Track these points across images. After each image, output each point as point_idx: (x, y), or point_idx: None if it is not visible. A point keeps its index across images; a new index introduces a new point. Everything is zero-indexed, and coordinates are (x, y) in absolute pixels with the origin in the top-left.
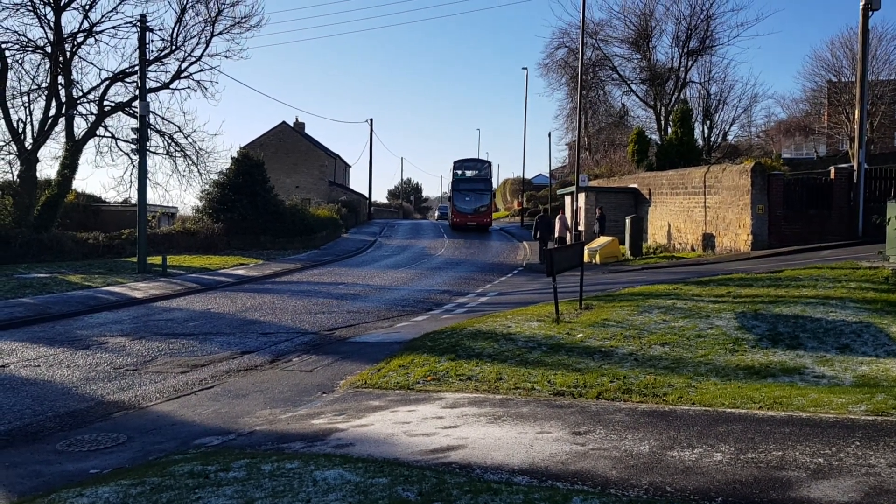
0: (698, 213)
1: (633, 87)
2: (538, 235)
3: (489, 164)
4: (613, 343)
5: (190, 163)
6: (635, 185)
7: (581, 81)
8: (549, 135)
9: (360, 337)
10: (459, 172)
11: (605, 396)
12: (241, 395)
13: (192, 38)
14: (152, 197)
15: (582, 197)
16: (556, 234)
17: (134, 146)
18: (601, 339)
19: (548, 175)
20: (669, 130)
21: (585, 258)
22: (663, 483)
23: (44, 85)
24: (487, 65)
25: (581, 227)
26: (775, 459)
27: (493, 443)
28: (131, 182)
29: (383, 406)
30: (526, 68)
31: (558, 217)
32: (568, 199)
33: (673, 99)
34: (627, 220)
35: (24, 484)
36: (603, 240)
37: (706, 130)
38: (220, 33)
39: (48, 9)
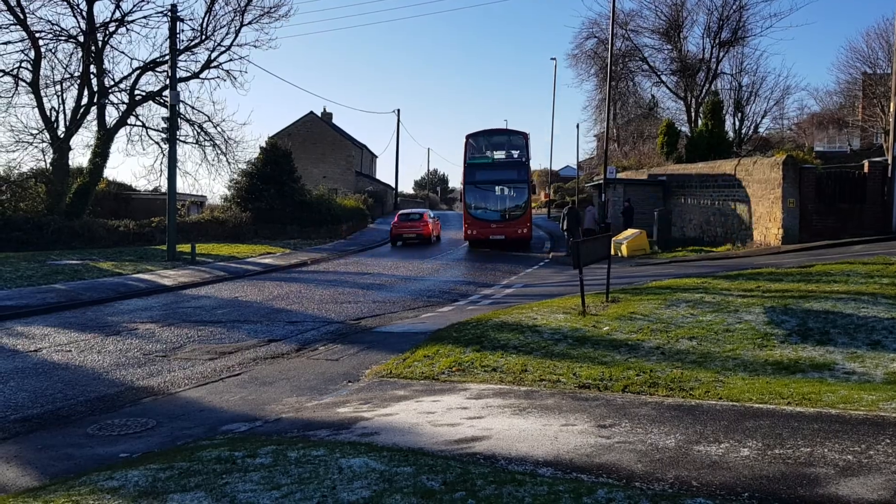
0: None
1: (664, 78)
2: (565, 227)
3: (525, 136)
4: (640, 336)
5: (219, 152)
6: (664, 178)
7: (610, 72)
8: (577, 126)
9: (385, 327)
10: (477, 152)
11: (630, 390)
12: (267, 382)
13: (221, 27)
14: (182, 185)
15: (610, 189)
16: (584, 226)
17: (164, 135)
18: (628, 332)
19: (575, 167)
20: (700, 122)
21: (612, 251)
22: (689, 477)
23: (76, 74)
24: (515, 55)
25: (608, 220)
26: (804, 456)
27: (517, 434)
28: (161, 171)
29: (408, 396)
30: (554, 59)
31: (587, 209)
32: (595, 192)
33: (704, 90)
34: (655, 213)
35: (55, 466)
36: (630, 232)
37: (737, 123)
38: (250, 23)
39: None
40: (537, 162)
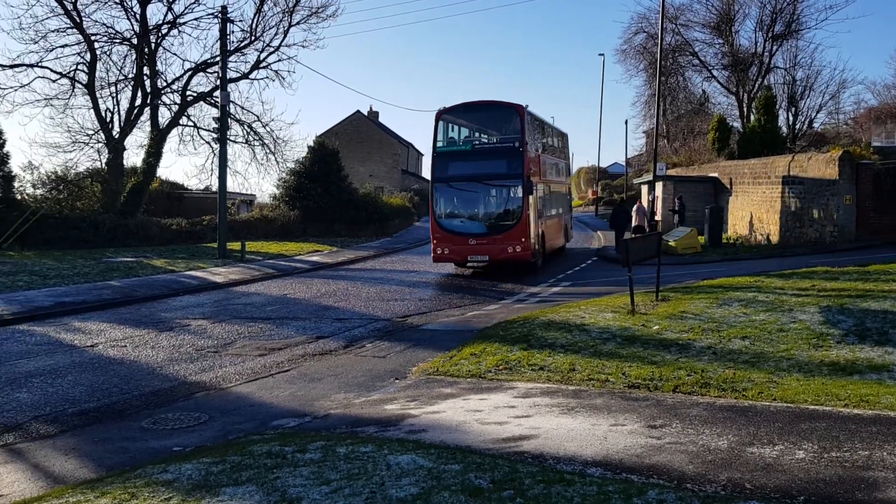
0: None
1: (715, 72)
2: (614, 225)
3: (520, 110)
4: (691, 336)
5: (268, 151)
6: (715, 174)
7: (660, 67)
8: (626, 122)
9: (431, 325)
10: (452, 135)
11: (681, 390)
12: (316, 378)
13: (270, 28)
14: (232, 184)
15: (659, 186)
16: (634, 224)
17: (215, 135)
18: (678, 331)
19: (624, 163)
20: (752, 118)
21: (662, 249)
22: (742, 480)
23: (130, 76)
24: (561, 51)
25: (658, 217)
26: (861, 459)
27: (565, 434)
28: (212, 170)
29: (455, 394)
30: (603, 55)
31: (636, 206)
32: (645, 188)
33: (756, 85)
34: (707, 210)
35: (111, 459)
36: (681, 230)
37: (791, 118)
38: (298, 23)
39: (134, 1)
40: (584, 159)
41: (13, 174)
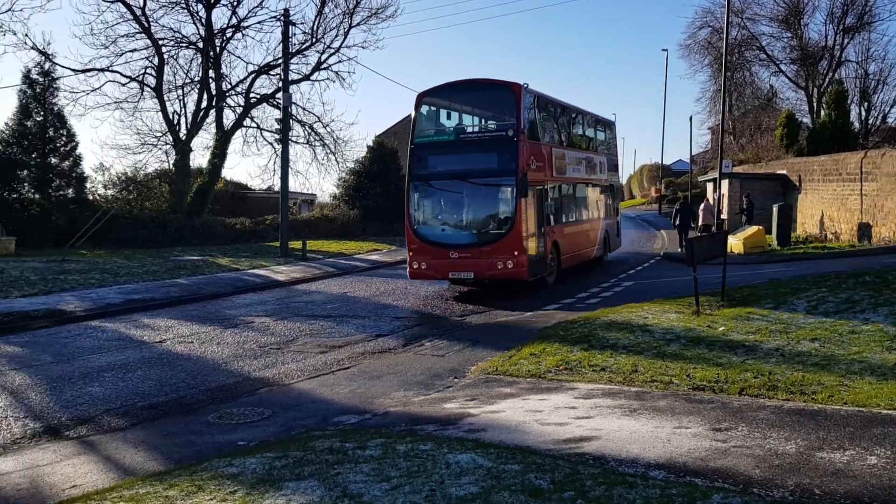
0: (853, 201)
1: (783, 67)
2: (678, 223)
3: (515, 91)
4: (758, 337)
5: (328, 151)
6: (784, 172)
7: (725, 62)
8: (691, 119)
9: (490, 323)
10: (435, 124)
11: (748, 393)
12: (375, 376)
13: (331, 30)
14: (293, 184)
15: (725, 184)
16: (700, 223)
17: (277, 136)
18: (744, 332)
19: (688, 161)
20: (822, 113)
21: (728, 248)
22: (811, 485)
23: (196, 79)
24: (622, 47)
25: (724, 216)
26: None
27: (628, 436)
28: (274, 170)
29: (514, 393)
30: (666, 50)
31: (703, 205)
32: (710, 186)
33: (826, 79)
34: (775, 209)
35: (179, 452)
36: (748, 229)
37: (863, 113)
38: (358, 24)
39: (200, 6)
40: (647, 156)
41: (85, 175)
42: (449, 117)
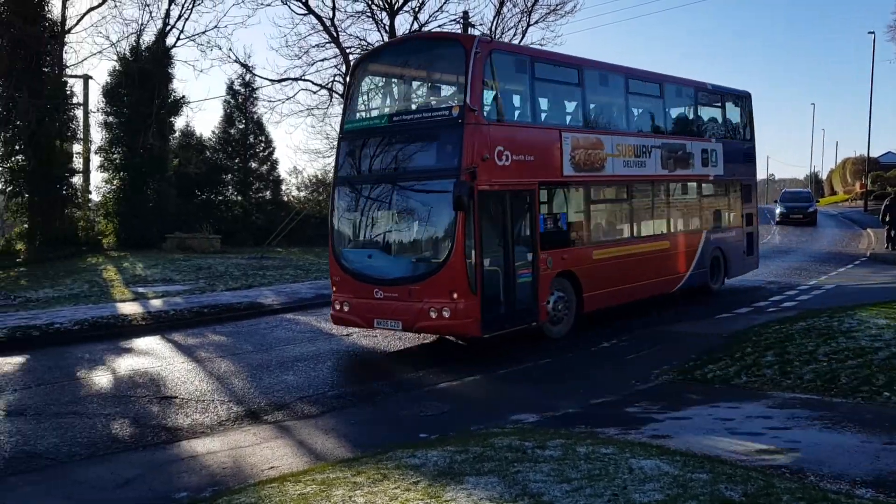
0: None
1: None
2: (887, 220)
3: (466, 47)
4: None
5: None
6: None
7: None
8: None
9: (677, 326)
10: (373, 98)
11: None
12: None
13: (509, 29)
14: None
15: None
16: None
17: None
18: None
19: None
20: None
21: None
22: None
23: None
24: (821, 32)
25: None
26: None
27: (829, 449)
28: None
29: (702, 400)
30: (872, 32)
31: None
32: None
33: None
34: None
35: (364, 441)
36: None
37: None
38: (536, 22)
39: (384, 14)
40: (852, 148)
41: (281, 178)
42: (398, 93)
